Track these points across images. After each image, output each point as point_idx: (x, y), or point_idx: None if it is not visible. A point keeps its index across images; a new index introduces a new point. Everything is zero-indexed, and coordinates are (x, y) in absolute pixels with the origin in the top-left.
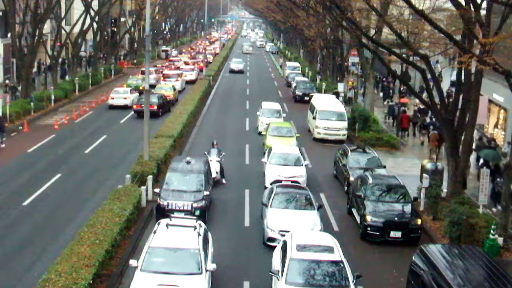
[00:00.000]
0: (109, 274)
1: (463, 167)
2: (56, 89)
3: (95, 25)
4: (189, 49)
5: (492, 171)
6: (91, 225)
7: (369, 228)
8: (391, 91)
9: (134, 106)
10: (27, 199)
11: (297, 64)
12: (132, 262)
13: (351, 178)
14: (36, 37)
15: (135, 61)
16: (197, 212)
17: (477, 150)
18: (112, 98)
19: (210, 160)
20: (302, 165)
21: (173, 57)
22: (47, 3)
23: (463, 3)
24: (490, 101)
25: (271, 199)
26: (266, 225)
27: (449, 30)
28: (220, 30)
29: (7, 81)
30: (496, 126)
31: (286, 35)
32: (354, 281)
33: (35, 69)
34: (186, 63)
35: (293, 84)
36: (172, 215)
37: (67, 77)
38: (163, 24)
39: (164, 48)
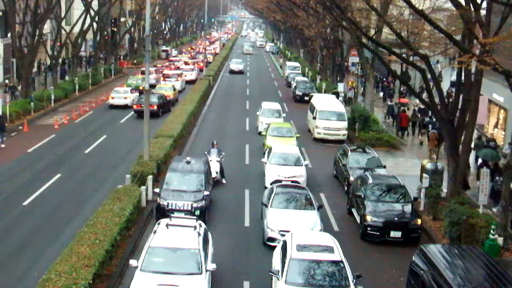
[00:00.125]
0: (109, 274)
1: (463, 167)
2: (56, 89)
3: (95, 25)
4: (189, 49)
5: (491, 170)
6: (91, 225)
7: (369, 228)
8: (391, 91)
9: (134, 106)
10: (27, 199)
11: (297, 64)
12: (132, 262)
13: (351, 178)
14: (36, 37)
15: (135, 61)
16: (197, 212)
17: (476, 149)
18: (113, 98)
19: (210, 160)
20: (302, 165)
21: (173, 57)
22: (47, 3)
23: (463, 3)
24: (490, 101)
25: (271, 199)
26: (266, 225)
27: (449, 30)
28: (220, 30)
29: (7, 81)
30: (496, 126)
31: (286, 35)
32: (354, 281)
33: (35, 69)
34: (186, 63)
35: (293, 84)
36: (172, 215)
37: (67, 77)
38: (163, 24)
39: (164, 48)
